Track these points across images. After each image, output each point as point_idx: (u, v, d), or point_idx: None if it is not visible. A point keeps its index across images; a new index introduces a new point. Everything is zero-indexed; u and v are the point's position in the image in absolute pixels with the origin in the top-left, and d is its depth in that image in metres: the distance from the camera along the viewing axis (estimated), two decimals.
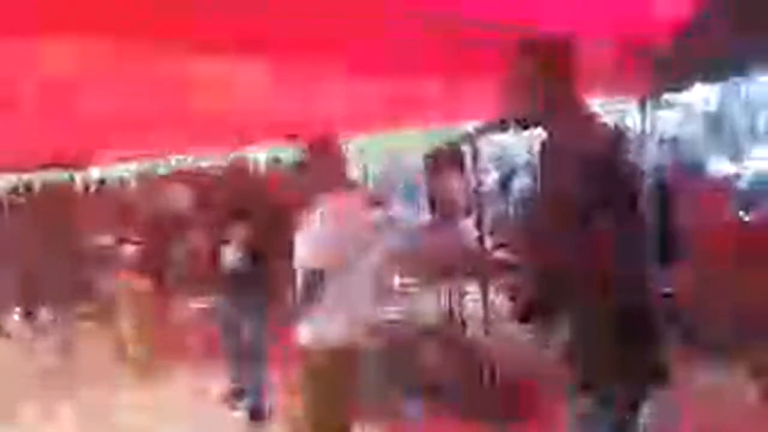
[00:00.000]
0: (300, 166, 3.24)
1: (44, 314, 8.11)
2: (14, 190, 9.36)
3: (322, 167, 3.05)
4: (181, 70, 3.43)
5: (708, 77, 4.32)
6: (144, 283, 6.49)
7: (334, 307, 2.85)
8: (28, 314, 8.08)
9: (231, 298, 4.75)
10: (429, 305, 5.38)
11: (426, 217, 6.92)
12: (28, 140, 5.53)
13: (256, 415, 4.66)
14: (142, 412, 4.87)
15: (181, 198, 6.78)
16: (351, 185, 3.31)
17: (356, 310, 2.93)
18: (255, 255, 4.65)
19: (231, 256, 4.66)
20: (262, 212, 4.93)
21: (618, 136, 2.32)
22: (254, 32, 2.65)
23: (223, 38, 2.71)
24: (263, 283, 4.67)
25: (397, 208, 8.15)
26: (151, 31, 2.55)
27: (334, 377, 2.88)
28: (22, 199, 8.93)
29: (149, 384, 5.59)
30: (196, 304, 6.42)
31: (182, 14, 2.41)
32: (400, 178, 10.43)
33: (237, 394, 4.86)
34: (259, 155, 7.94)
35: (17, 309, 8.18)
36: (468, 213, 6.18)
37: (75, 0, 2.22)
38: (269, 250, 4.66)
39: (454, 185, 5.50)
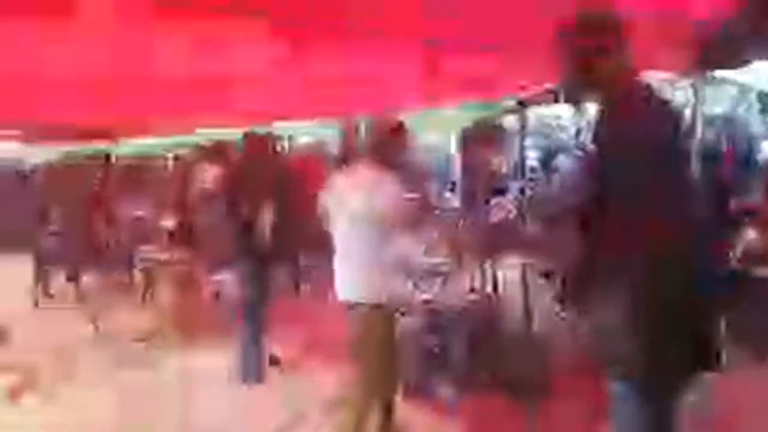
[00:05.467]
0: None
1: (85, 280, 8.34)
2: (60, 160, 9.53)
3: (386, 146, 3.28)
4: (218, 40, 3.35)
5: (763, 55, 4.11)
6: (180, 256, 6.55)
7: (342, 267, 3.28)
8: (71, 278, 8.31)
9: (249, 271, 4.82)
10: (463, 285, 5.29)
11: (460, 195, 6.79)
12: (69, 112, 5.55)
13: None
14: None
15: (211, 174, 6.77)
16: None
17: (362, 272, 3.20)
18: (276, 231, 4.73)
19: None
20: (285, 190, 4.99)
21: (674, 112, 2.23)
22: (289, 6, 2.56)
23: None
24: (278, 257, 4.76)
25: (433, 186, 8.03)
26: None
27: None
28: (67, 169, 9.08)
29: (184, 356, 5.53)
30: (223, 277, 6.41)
31: None
32: (435, 155, 10.23)
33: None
34: (295, 132, 7.91)
35: (62, 272, 8.38)
36: (506, 190, 6.04)
37: None
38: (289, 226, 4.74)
39: (492, 161, 5.37)
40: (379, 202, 3.15)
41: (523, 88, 4.07)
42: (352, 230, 3.21)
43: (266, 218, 4.73)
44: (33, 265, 8.08)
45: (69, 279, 8.32)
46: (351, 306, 3.23)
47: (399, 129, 3.37)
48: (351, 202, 3.21)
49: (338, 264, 3.34)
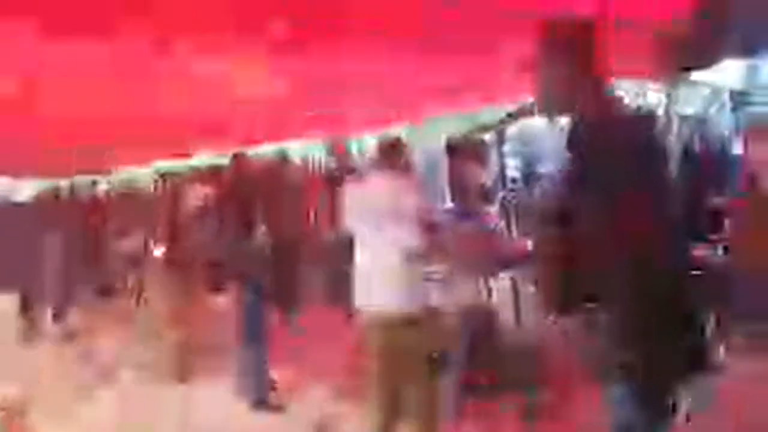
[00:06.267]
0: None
1: (72, 316, 8.16)
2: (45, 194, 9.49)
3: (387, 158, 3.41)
4: (213, 68, 3.41)
5: (731, 55, 4.23)
6: (173, 281, 6.55)
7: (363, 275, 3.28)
8: (57, 316, 8.13)
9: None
10: (457, 293, 5.35)
11: (448, 205, 6.85)
12: (54, 146, 5.58)
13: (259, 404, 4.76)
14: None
15: (202, 193, 6.80)
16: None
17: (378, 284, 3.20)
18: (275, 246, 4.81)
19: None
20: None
21: (647, 122, 2.30)
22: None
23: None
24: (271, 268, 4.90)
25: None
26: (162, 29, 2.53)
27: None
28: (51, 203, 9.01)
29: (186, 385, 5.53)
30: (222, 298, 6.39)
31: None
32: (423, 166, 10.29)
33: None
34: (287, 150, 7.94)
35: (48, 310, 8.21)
36: (491, 201, 6.12)
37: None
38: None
39: (477, 173, 5.46)
40: (404, 201, 3.23)
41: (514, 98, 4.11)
42: (378, 234, 3.21)
43: (260, 235, 4.79)
44: (18, 304, 7.84)
45: (55, 317, 8.05)
46: (372, 313, 3.24)
47: (397, 144, 3.48)
48: (376, 204, 3.25)
49: (360, 272, 3.33)
